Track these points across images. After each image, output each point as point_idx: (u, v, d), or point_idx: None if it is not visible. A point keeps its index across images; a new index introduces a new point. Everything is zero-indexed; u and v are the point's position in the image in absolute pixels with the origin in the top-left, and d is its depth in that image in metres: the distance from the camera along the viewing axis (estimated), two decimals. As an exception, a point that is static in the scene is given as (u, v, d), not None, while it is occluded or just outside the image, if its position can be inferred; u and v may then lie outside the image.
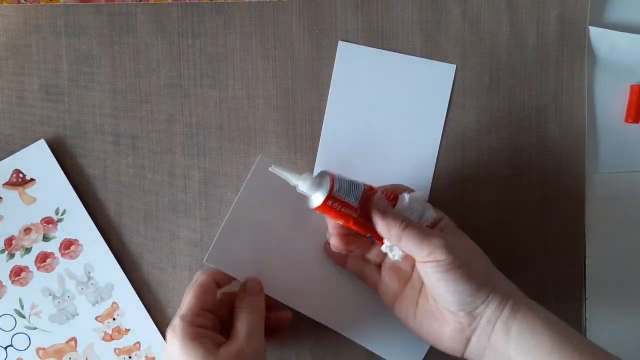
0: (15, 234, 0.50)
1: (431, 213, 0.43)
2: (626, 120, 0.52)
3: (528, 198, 0.52)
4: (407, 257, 0.43)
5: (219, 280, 0.45)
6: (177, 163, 0.51)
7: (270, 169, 0.42)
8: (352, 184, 0.41)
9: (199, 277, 0.44)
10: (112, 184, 0.50)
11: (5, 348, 0.50)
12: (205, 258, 0.46)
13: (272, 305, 0.46)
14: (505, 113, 0.51)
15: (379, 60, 0.51)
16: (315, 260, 0.48)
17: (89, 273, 0.50)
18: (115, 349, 0.50)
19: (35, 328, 0.50)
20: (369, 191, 0.42)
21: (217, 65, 0.51)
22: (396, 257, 0.43)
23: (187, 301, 0.43)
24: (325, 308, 0.48)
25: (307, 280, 0.48)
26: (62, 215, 0.50)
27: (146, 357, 0.50)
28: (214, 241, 0.46)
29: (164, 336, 0.50)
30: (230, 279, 0.46)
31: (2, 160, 0.49)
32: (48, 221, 0.50)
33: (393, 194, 0.43)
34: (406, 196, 0.43)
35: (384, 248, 0.43)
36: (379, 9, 0.51)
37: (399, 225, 0.41)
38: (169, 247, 0.51)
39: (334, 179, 0.41)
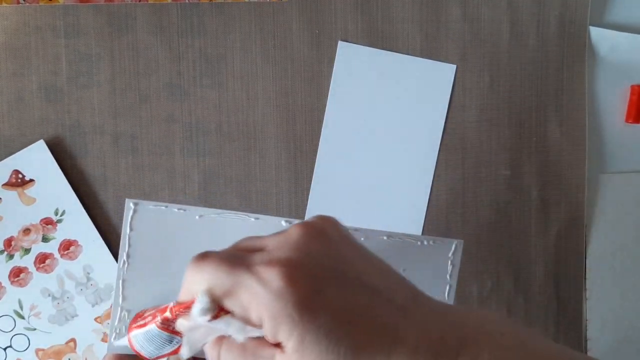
0: (15, 234, 0.50)
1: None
2: (627, 121, 0.52)
3: (528, 198, 0.51)
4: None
5: None
6: (176, 164, 0.51)
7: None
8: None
9: None
10: (111, 184, 0.50)
11: (5, 349, 0.50)
12: (107, 348, 0.36)
13: None
14: (505, 113, 0.51)
15: (379, 61, 0.51)
16: None
17: (89, 274, 0.50)
18: (114, 350, 0.50)
19: (34, 329, 0.50)
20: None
21: (217, 66, 0.51)
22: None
23: None
24: None
25: None
26: (61, 215, 0.50)
27: (146, 358, 0.50)
28: (110, 324, 0.37)
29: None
30: None
31: (2, 161, 0.49)
32: (47, 222, 0.50)
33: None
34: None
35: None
36: (379, 9, 0.51)
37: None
38: (168, 247, 0.51)
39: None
